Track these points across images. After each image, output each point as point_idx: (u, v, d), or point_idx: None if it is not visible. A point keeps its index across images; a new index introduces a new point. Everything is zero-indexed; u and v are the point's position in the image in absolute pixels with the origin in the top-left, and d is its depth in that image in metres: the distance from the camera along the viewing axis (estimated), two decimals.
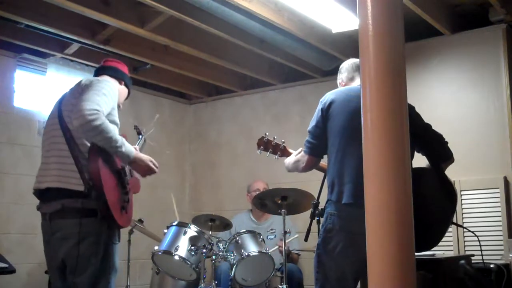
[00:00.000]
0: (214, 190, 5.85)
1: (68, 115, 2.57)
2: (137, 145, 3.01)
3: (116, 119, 2.65)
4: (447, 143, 2.76)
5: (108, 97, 2.56)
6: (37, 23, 3.98)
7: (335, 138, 2.62)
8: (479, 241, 3.14)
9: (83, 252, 2.50)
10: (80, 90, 2.58)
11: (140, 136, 3.11)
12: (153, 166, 2.76)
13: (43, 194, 2.60)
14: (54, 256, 2.60)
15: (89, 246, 2.51)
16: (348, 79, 2.87)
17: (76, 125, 2.45)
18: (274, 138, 3.06)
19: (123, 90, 2.92)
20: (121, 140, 2.55)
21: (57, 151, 2.58)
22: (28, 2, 3.85)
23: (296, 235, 4.52)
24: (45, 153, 2.66)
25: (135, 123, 3.26)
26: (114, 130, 2.52)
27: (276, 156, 3.06)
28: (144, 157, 2.74)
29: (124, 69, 2.97)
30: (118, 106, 2.75)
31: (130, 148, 2.63)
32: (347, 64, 2.90)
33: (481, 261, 3.17)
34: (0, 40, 4.33)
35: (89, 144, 2.52)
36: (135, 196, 5.45)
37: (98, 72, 2.90)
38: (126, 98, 3.00)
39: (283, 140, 3.07)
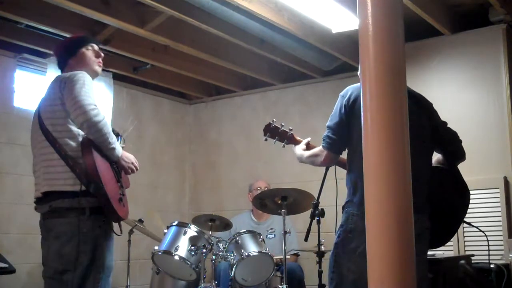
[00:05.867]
0: (214, 190, 5.85)
1: (47, 116, 2.63)
2: (121, 143, 3.06)
3: None
4: (461, 141, 2.76)
5: (91, 87, 2.61)
6: (37, 23, 3.98)
7: (360, 138, 2.54)
8: (487, 239, 3.13)
9: (71, 251, 2.54)
10: (58, 90, 2.62)
11: (120, 137, 3.14)
12: (134, 167, 2.82)
13: (39, 199, 2.69)
14: (47, 252, 2.66)
15: (77, 245, 2.54)
16: None
17: (80, 122, 2.51)
18: (281, 124, 2.94)
19: (87, 53, 2.85)
20: (114, 137, 2.64)
21: (44, 155, 2.64)
22: (28, 2, 3.86)
23: (292, 249, 4.52)
24: (34, 160, 2.73)
25: (131, 124, 3.28)
26: (110, 128, 2.60)
27: (283, 143, 2.94)
28: (129, 156, 2.81)
29: (73, 38, 2.97)
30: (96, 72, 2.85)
31: (119, 147, 2.71)
32: None
33: (487, 260, 3.17)
34: (0, 40, 4.33)
35: (72, 143, 2.57)
36: (135, 196, 5.45)
37: (62, 63, 2.88)
38: (98, 53, 2.92)
39: (290, 128, 2.95)
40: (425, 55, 4.35)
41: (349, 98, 2.55)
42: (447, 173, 2.72)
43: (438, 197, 2.59)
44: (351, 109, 2.53)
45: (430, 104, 2.75)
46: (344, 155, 2.70)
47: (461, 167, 2.79)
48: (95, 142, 2.56)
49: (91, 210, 2.57)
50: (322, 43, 4.42)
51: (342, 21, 3.98)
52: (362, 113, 1.93)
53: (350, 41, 4.52)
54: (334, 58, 4.74)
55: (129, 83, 5.45)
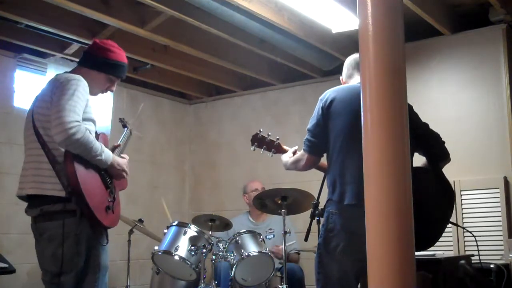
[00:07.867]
0: (214, 190, 5.85)
1: (39, 118, 2.61)
2: (121, 138, 3.03)
3: (92, 115, 2.64)
4: (444, 142, 2.76)
5: (81, 97, 2.55)
6: (37, 23, 3.98)
7: (337, 137, 2.59)
8: (476, 241, 3.15)
9: (66, 253, 2.53)
10: (50, 94, 2.60)
11: (126, 129, 3.11)
12: (125, 173, 2.78)
13: (27, 200, 2.67)
14: (42, 256, 2.64)
15: (71, 247, 2.54)
16: (347, 76, 2.84)
17: (58, 140, 2.46)
18: (268, 134, 3.00)
19: (104, 79, 2.84)
20: (100, 148, 2.57)
21: (33, 156, 2.61)
22: (28, 2, 3.85)
23: (294, 241, 4.49)
24: (25, 158, 2.70)
25: (126, 118, 3.26)
26: (94, 139, 2.54)
27: (271, 153, 3.00)
28: (121, 161, 2.76)
29: (114, 59, 2.84)
30: (103, 91, 2.84)
31: (108, 154, 2.65)
32: (348, 60, 2.86)
33: (486, 261, 3.18)
34: (0, 40, 4.33)
35: (61, 149, 2.53)
36: (135, 196, 5.43)
37: (81, 63, 2.85)
38: (111, 89, 2.93)
39: (277, 137, 3.01)
40: (425, 55, 4.35)
41: (326, 101, 2.65)
42: (431, 174, 2.71)
43: (422, 199, 2.58)
44: (328, 111, 2.62)
45: (410, 106, 2.75)
46: (324, 160, 2.74)
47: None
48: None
49: (82, 212, 2.55)
50: (322, 43, 4.42)
51: (342, 21, 3.98)
52: (362, 113, 1.93)
53: (350, 41, 4.52)
54: (334, 58, 4.74)
55: (129, 83, 5.45)
